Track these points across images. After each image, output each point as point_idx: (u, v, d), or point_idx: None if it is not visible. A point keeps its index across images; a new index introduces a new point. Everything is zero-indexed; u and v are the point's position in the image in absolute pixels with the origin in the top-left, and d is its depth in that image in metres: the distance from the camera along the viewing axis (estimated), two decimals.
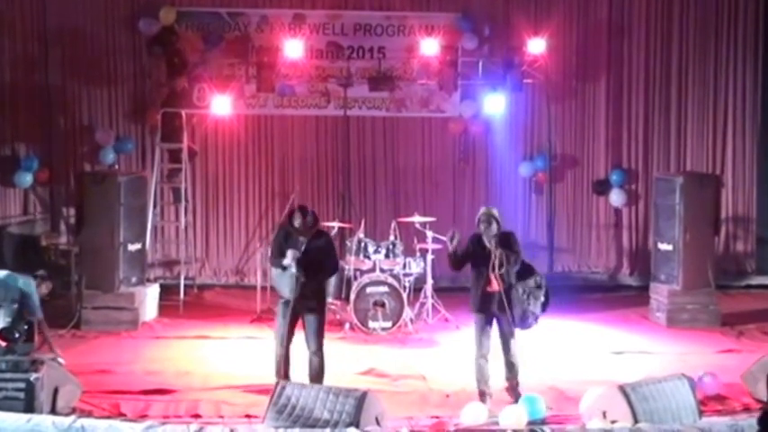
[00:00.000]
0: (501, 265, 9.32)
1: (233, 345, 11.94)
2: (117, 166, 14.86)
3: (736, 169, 15.65)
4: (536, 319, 9.58)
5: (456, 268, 9.66)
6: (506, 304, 9.33)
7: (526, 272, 9.55)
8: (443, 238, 13.01)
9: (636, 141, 15.67)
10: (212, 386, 10.14)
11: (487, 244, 9.36)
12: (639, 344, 12.09)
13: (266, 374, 9.85)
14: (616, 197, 15.51)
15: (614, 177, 15.52)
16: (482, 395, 9.45)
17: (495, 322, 9.51)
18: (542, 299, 9.53)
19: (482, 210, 9.66)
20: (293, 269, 9.42)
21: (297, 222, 9.60)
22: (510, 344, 9.50)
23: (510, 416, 8.78)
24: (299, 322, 9.68)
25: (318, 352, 9.66)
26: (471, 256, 9.52)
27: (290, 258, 9.41)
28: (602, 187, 15.63)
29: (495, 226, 9.44)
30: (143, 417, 8.93)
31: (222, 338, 12.24)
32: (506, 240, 9.49)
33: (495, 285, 9.37)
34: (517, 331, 9.53)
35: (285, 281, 9.54)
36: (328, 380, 9.57)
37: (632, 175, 15.65)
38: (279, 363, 9.66)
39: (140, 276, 13.13)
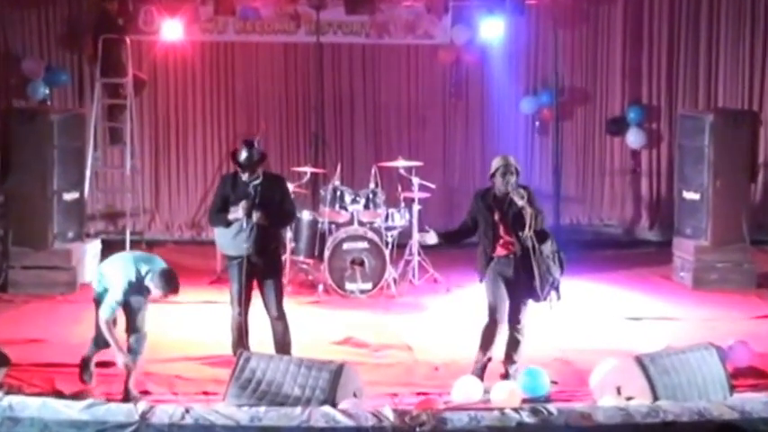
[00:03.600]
0: (529, 226, 9.18)
1: (188, 310, 11.91)
2: (49, 102, 14.79)
3: None
4: (558, 288, 9.51)
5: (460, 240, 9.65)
6: (534, 271, 9.26)
7: (540, 233, 9.38)
8: (431, 186, 13.12)
9: (658, 72, 15.65)
10: (164, 358, 10.16)
11: (517, 200, 9.20)
12: (660, 308, 12.17)
13: (227, 344, 9.89)
14: (634, 138, 15.51)
15: (632, 115, 15.51)
16: (484, 368, 9.36)
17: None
18: (559, 267, 9.49)
19: (498, 159, 9.50)
20: (244, 223, 9.44)
21: (242, 157, 9.56)
22: (521, 316, 9.42)
23: (501, 392, 8.82)
24: (255, 285, 9.70)
25: (282, 316, 9.73)
26: (480, 216, 9.40)
27: (240, 212, 9.42)
28: (618, 126, 15.63)
29: (515, 179, 9.35)
30: (81, 393, 8.91)
31: (176, 303, 12.14)
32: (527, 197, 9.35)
33: (512, 248, 9.29)
34: (530, 303, 9.45)
35: (237, 235, 9.53)
36: (299, 350, 9.61)
37: (653, 113, 15.65)
38: (236, 334, 9.72)
39: (78, 231, 13.18)
